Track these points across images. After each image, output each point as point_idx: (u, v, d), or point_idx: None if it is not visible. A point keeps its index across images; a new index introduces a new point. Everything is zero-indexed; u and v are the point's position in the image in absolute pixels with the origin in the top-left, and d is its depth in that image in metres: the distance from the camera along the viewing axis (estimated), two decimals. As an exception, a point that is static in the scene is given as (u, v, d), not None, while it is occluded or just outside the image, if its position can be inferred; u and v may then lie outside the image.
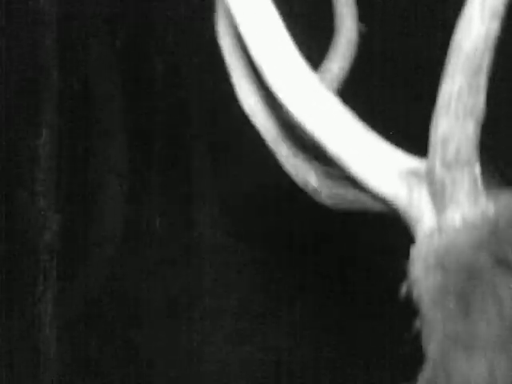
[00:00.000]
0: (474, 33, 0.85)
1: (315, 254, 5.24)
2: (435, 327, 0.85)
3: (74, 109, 6.10)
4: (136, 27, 6.33)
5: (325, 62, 1.19)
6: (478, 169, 0.91)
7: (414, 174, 0.94)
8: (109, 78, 5.70)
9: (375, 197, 0.97)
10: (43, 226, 3.61)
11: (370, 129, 0.95)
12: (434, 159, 0.90)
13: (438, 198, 0.90)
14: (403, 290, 0.89)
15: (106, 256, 5.75)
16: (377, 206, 1.02)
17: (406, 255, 0.94)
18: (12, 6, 3.56)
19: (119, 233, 5.84)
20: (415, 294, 0.88)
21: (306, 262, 5.35)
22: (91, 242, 5.72)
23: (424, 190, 0.93)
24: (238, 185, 6.84)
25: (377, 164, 0.94)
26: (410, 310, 0.89)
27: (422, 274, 0.88)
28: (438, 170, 0.90)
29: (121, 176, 5.70)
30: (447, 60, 0.88)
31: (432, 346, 0.84)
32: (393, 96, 4.73)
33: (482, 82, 0.88)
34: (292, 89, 0.92)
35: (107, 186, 5.75)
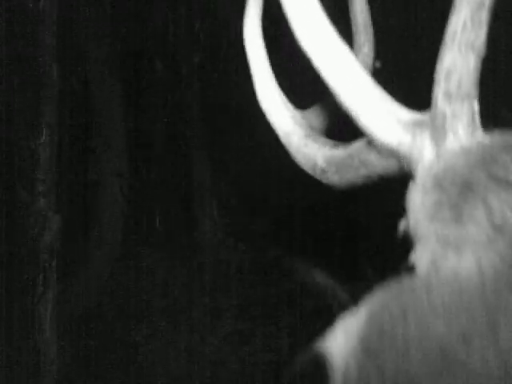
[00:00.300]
0: None
1: (315, 254, 5.24)
2: (428, 238, 0.91)
3: (74, 109, 6.10)
4: (136, 27, 6.33)
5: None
6: (476, 104, 0.99)
7: (417, 124, 1.02)
8: (109, 78, 5.70)
9: (380, 151, 1.06)
10: (43, 226, 3.61)
11: (378, 86, 1.06)
12: (438, 92, 0.99)
13: (439, 131, 0.98)
14: (401, 225, 0.96)
15: (106, 256, 5.75)
16: (379, 171, 1.09)
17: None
18: (12, 6, 3.57)
19: (119, 233, 5.85)
20: (412, 219, 0.94)
21: (305, 262, 5.35)
22: (91, 242, 5.73)
23: (426, 134, 1.01)
24: (238, 185, 6.84)
25: (383, 117, 1.04)
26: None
27: (420, 195, 0.94)
28: (441, 102, 0.99)
29: (121, 176, 5.70)
30: None
31: (424, 257, 0.91)
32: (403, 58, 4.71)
33: (484, 17, 0.96)
34: (320, 49, 1.05)
35: (107, 185, 5.75)
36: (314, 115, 1.34)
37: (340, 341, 0.83)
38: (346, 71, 1.06)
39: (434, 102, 1.00)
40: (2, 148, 3.64)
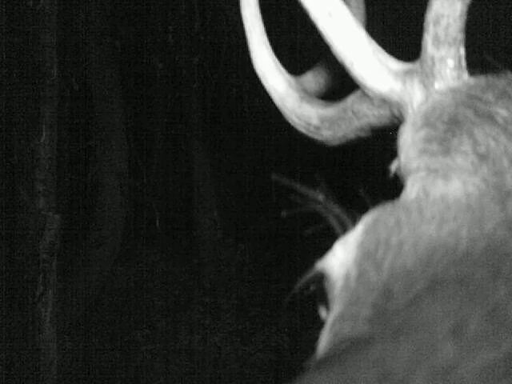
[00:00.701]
0: None
1: (315, 253, 5.24)
2: (418, 171, 0.99)
3: (74, 109, 6.11)
4: (136, 27, 6.34)
5: None
6: (462, 49, 1.07)
7: (407, 72, 1.10)
8: (109, 78, 5.70)
9: (372, 101, 1.13)
10: (43, 226, 3.61)
11: (371, 38, 1.14)
12: (427, 38, 1.07)
13: (428, 75, 1.06)
14: (393, 166, 1.03)
15: (106, 256, 5.75)
16: (372, 122, 1.18)
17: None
18: (12, 6, 3.57)
19: (119, 233, 5.85)
20: (403, 157, 1.02)
21: (305, 261, 5.35)
22: (91, 241, 5.73)
23: (416, 80, 1.09)
24: (238, 185, 6.85)
25: (375, 66, 1.12)
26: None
27: (410, 133, 1.01)
28: (430, 47, 1.07)
29: (121, 176, 5.70)
30: None
31: (415, 186, 0.98)
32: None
33: None
34: (316, 4, 1.14)
35: (107, 186, 5.76)
36: (308, 80, 1.40)
37: (339, 254, 0.89)
38: (340, 24, 1.15)
39: (423, 47, 1.07)
40: (2, 148, 3.64)
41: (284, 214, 1.11)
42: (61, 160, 4.15)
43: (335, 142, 1.24)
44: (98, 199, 5.75)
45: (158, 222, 6.29)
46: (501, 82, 1.00)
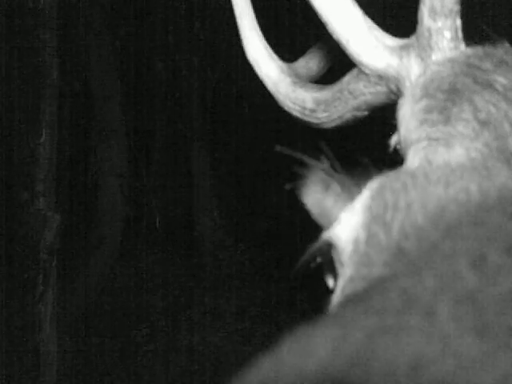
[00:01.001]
0: None
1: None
2: (420, 141, 1.01)
3: (74, 109, 6.11)
4: (136, 27, 6.34)
5: None
6: (459, 20, 1.09)
7: (403, 47, 1.11)
8: (109, 78, 5.70)
9: (369, 78, 1.14)
10: (43, 226, 3.61)
11: (366, 16, 1.15)
12: (423, 10, 1.09)
13: (425, 48, 1.08)
14: (392, 140, 1.04)
15: (106, 256, 5.75)
16: (368, 100, 1.19)
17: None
18: (12, 6, 3.57)
19: (119, 233, 5.85)
20: (403, 129, 1.03)
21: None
22: (91, 241, 5.73)
23: (413, 54, 1.11)
24: (238, 185, 6.84)
25: (371, 43, 1.14)
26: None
27: (410, 105, 1.02)
28: (426, 19, 1.08)
29: (121, 176, 5.70)
30: None
31: (417, 156, 1.00)
32: None
33: None
34: None
35: (107, 185, 5.76)
36: (301, 66, 1.41)
37: (346, 221, 0.90)
38: (336, 2, 1.16)
39: (419, 19, 1.09)
40: (2, 148, 3.64)
41: (288, 186, 1.12)
42: (61, 160, 4.15)
43: (331, 124, 1.25)
44: (98, 199, 5.75)
45: (158, 221, 6.29)
46: (498, 51, 1.02)
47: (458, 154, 0.93)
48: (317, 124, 1.24)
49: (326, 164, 1.05)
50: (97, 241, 5.67)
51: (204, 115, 6.41)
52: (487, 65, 1.01)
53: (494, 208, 0.75)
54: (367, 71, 1.13)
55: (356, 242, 0.85)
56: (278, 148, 1.15)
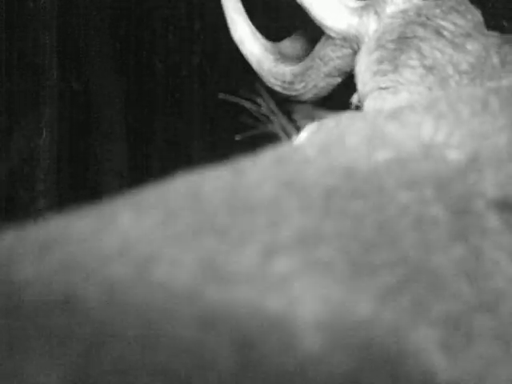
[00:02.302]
0: None
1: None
2: (372, 92, 1.05)
3: (74, 109, 6.10)
4: (136, 27, 6.33)
5: None
6: None
7: (363, 6, 1.16)
8: (109, 78, 5.70)
9: (334, 42, 1.23)
10: (43, 226, 3.61)
11: None
12: None
13: (380, 4, 1.15)
14: (354, 98, 1.08)
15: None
16: (338, 65, 1.26)
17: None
18: (12, 6, 3.56)
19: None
20: (360, 82, 1.07)
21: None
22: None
23: (371, 12, 1.15)
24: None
25: (332, 5, 1.19)
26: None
27: (365, 58, 1.06)
28: None
29: (121, 176, 5.70)
30: None
31: (370, 106, 1.04)
32: None
33: None
34: None
35: (107, 185, 5.75)
36: (286, 46, 1.46)
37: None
38: None
39: None
40: (1, 148, 3.64)
41: (238, 137, 1.16)
42: (61, 160, 4.16)
43: (309, 95, 1.30)
44: (98, 199, 5.75)
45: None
46: (451, 1, 1.05)
47: (402, 98, 0.96)
48: (295, 96, 1.29)
49: (265, 106, 1.09)
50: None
51: (204, 115, 6.42)
52: (437, 13, 1.05)
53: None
54: (332, 34, 1.18)
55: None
56: (222, 96, 1.20)
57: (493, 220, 0.59)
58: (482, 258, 0.57)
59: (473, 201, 0.61)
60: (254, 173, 0.68)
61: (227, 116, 6.23)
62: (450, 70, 0.98)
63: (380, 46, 1.05)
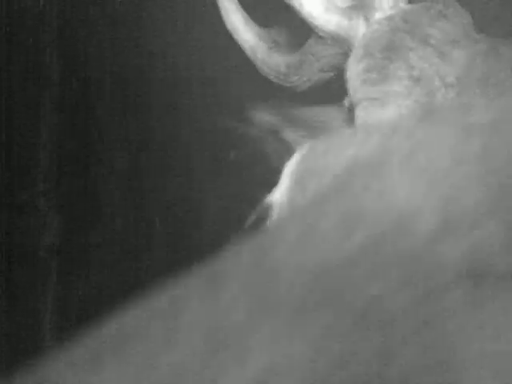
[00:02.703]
0: None
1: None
2: (361, 101, 1.07)
3: (74, 109, 6.10)
4: (136, 27, 6.33)
5: None
6: None
7: (352, 8, 1.18)
8: (109, 77, 5.70)
9: (325, 41, 1.26)
10: (43, 226, 3.61)
11: None
12: None
13: (369, 9, 1.17)
14: (346, 101, 1.10)
15: (106, 256, 5.75)
16: (329, 62, 1.29)
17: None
18: (12, 6, 3.57)
19: (119, 233, 5.85)
20: (350, 89, 1.09)
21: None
22: (91, 241, 5.72)
23: (360, 15, 1.16)
24: (238, 185, 6.84)
25: (323, 5, 1.20)
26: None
27: (354, 65, 1.08)
28: None
29: (121, 176, 5.70)
30: None
31: (359, 116, 1.05)
32: None
33: None
34: None
35: (107, 185, 5.75)
36: (278, 32, 1.48)
37: (280, 185, 0.94)
38: None
39: None
40: (1, 148, 3.64)
41: (232, 154, 1.19)
42: (61, 160, 4.16)
43: (303, 87, 1.32)
44: (99, 199, 5.75)
45: (157, 222, 6.28)
46: (438, 4, 1.06)
47: (390, 112, 0.97)
48: (290, 88, 1.31)
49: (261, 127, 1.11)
50: (97, 241, 5.68)
51: (204, 115, 6.42)
52: (424, 19, 1.06)
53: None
54: (322, 34, 1.20)
55: (280, 205, 0.88)
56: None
57: (459, 295, 0.59)
58: (448, 341, 0.57)
59: (440, 276, 0.61)
60: (226, 277, 0.69)
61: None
62: (437, 82, 1.00)
63: (368, 53, 1.06)
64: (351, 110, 1.12)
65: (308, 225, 0.66)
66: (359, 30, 1.16)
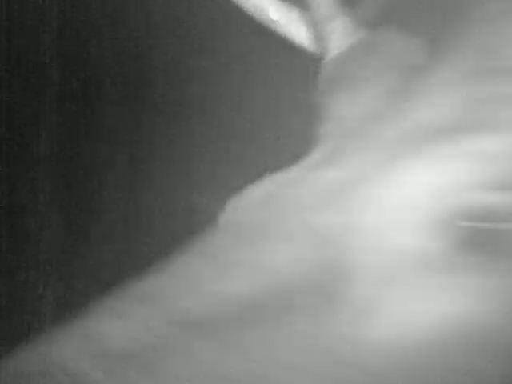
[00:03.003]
0: None
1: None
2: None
3: (74, 109, 6.10)
4: (136, 27, 6.33)
5: None
6: (340, 19, 1.17)
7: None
8: (109, 78, 5.70)
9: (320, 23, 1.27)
10: (43, 226, 3.61)
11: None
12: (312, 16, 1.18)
13: (323, 47, 1.18)
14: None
15: (106, 256, 5.75)
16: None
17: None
18: (12, 6, 3.57)
19: (119, 233, 5.85)
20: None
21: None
22: (91, 241, 5.72)
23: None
24: (238, 185, 6.82)
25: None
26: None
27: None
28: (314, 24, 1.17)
29: (121, 176, 5.70)
30: None
31: None
32: None
33: None
34: None
35: (107, 185, 5.75)
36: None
37: None
38: None
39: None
40: (2, 148, 3.64)
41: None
42: (61, 160, 4.16)
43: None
44: (99, 199, 5.76)
45: (158, 222, 6.28)
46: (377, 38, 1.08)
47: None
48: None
49: None
50: (97, 241, 5.67)
51: (204, 115, 6.41)
52: (355, 66, 1.08)
53: None
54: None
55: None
56: None
57: None
58: None
59: None
60: None
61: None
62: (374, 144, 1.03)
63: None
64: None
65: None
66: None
